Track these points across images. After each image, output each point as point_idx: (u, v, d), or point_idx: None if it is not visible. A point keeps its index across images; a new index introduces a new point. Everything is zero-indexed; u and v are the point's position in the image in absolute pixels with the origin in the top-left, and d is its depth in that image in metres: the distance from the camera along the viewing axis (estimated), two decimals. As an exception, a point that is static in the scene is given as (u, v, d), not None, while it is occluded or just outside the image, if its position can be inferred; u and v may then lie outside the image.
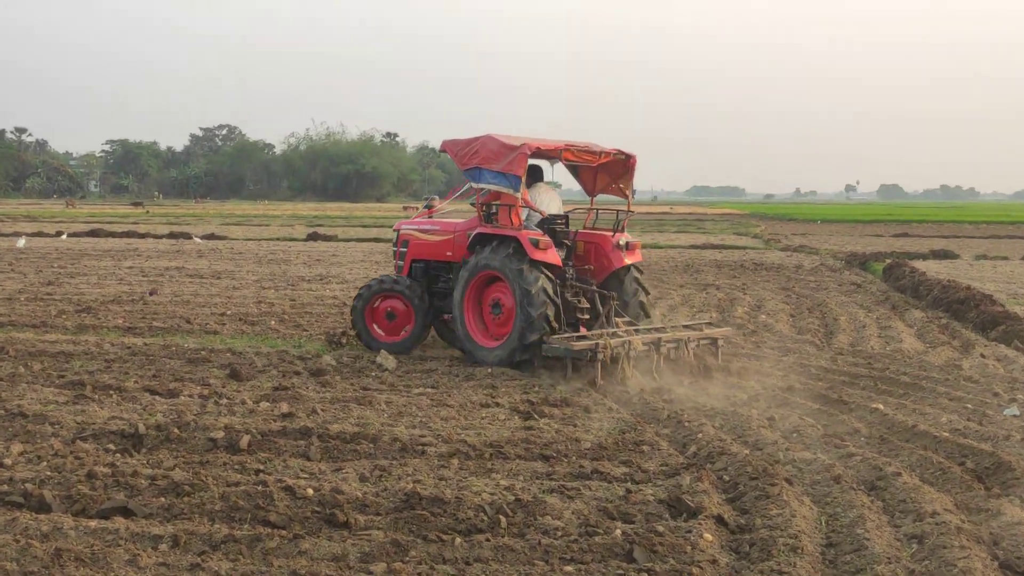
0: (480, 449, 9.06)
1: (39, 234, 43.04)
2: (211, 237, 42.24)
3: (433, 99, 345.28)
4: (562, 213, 14.11)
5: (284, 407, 10.55)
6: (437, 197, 16.81)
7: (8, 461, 8.37)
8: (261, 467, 8.42)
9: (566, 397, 11.42)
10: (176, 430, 9.37)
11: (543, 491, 7.88)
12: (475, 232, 13.42)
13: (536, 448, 9.16)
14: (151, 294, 20.60)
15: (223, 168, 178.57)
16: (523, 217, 13.32)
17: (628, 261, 13.74)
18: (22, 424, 9.67)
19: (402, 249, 14.69)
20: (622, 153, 13.99)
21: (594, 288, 13.48)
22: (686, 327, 13.80)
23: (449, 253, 14.13)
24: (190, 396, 11.15)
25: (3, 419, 9.84)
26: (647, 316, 13.92)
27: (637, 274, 13.93)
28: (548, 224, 13.63)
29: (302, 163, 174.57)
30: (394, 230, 15.21)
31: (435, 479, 8.20)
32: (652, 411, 10.92)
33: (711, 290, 23.80)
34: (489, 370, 12.83)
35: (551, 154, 13.60)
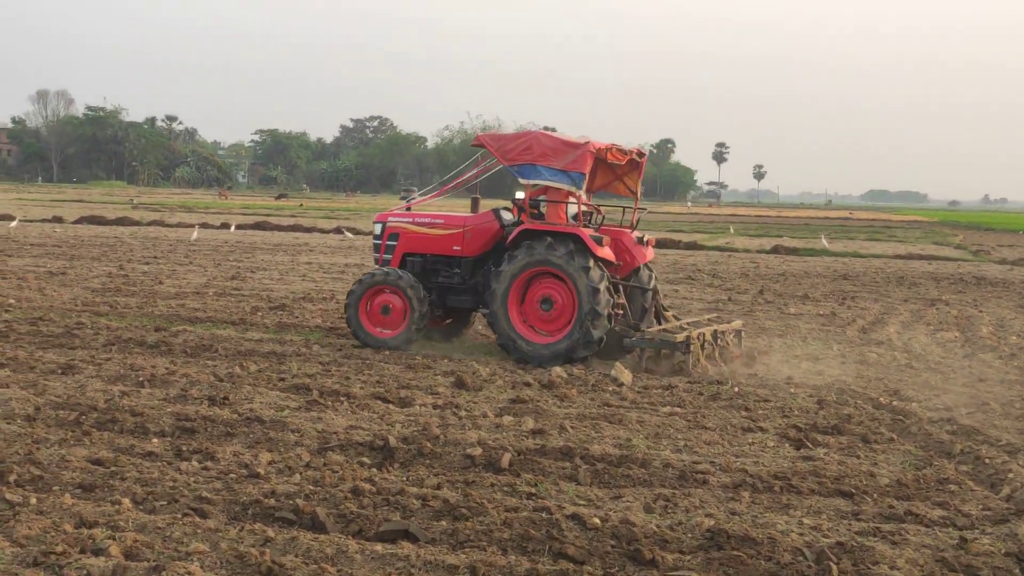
0: (767, 481, 8.58)
1: (206, 225, 44.18)
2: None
3: (581, 101, 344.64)
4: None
5: (530, 423, 10.28)
6: (415, 189, 16.96)
7: (260, 471, 8.25)
8: (532, 490, 8.12)
9: (836, 424, 10.81)
10: (427, 444, 9.16)
11: (859, 534, 7.34)
12: (518, 227, 13.76)
13: (829, 483, 8.62)
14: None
15: (374, 161, 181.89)
16: (571, 214, 13.87)
17: (649, 257, 14.56)
18: (262, 430, 9.60)
19: (390, 242, 14.94)
20: (640, 152, 14.74)
21: (630, 283, 14.38)
22: (711, 320, 15.39)
23: (457, 248, 14.51)
24: (423, 406, 10.96)
25: (239, 423, 9.80)
26: (668, 308, 15.08)
27: (651, 269, 14.81)
28: (585, 221, 14.29)
29: (456, 157, 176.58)
30: (376, 222, 15.32)
31: (727, 513, 7.76)
32: (939, 443, 10.24)
33: (940, 306, 22.71)
34: (735, 388, 12.38)
35: (600, 153, 13.90)
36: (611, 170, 14.99)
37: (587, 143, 13.50)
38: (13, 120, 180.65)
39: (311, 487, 7.91)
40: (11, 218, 41.58)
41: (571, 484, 8.37)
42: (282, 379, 12.05)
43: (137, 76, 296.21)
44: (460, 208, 20.84)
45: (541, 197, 14.25)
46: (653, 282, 14.68)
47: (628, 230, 14.66)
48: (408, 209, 15.39)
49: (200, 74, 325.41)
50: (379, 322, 14.47)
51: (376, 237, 15.26)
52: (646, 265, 14.61)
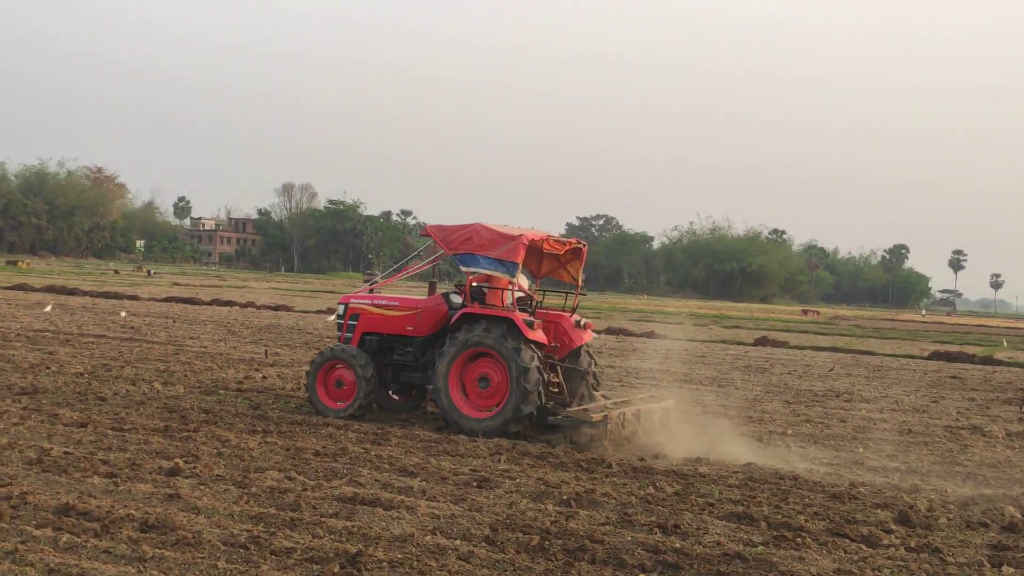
0: None
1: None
2: (615, 332, 41.67)
3: (818, 197, 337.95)
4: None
5: None
6: (378, 273, 18.62)
7: None
8: None
9: None
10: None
11: None
12: (460, 311, 14.85)
13: None
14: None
15: (600, 259, 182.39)
16: (512, 299, 14.87)
17: (587, 339, 15.47)
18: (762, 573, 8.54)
19: (351, 322, 16.11)
20: (580, 242, 16.09)
21: (566, 364, 15.31)
22: (642, 399, 16.24)
23: (410, 328, 15.65)
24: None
25: (720, 559, 8.77)
26: (598, 388, 15.82)
27: (589, 351, 15.66)
28: (522, 305, 15.34)
29: (684, 257, 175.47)
30: (340, 303, 16.47)
31: None
32: None
33: None
34: None
35: (535, 244, 15.04)
36: (555, 259, 16.05)
37: (521, 235, 14.60)
38: (259, 212, 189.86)
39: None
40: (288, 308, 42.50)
41: None
42: (710, 503, 11.01)
43: (374, 173, 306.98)
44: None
45: (483, 284, 15.41)
46: (589, 362, 15.54)
47: (568, 314, 15.61)
48: (371, 291, 16.57)
49: (430, 173, 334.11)
50: (335, 395, 15.59)
51: (339, 316, 16.41)
52: (585, 346, 15.52)
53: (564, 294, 16.38)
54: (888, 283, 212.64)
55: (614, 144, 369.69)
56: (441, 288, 16.67)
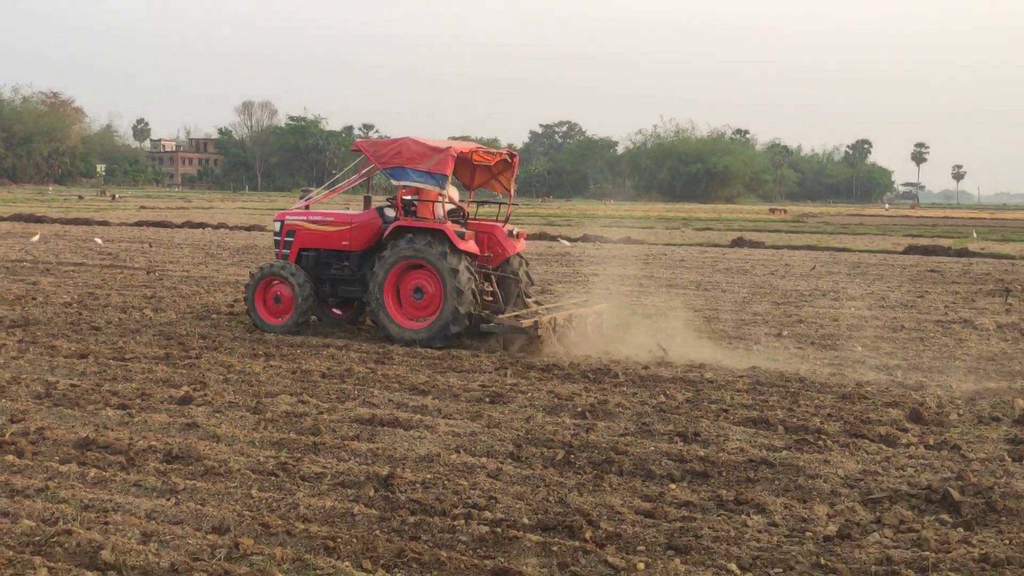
0: None
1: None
2: (592, 239, 41.59)
3: (782, 92, 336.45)
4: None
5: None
6: (313, 189, 18.55)
7: (826, 529, 7.24)
8: None
9: None
10: (996, 498, 7.94)
11: None
12: (392, 224, 15.07)
13: None
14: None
15: (565, 166, 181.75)
16: (441, 212, 15.27)
17: (519, 248, 15.82)
18: (773, 474, 8.62)
19: (287, 239, 16.26)
20: (511, 154, 16.23)
21: (500, 273, 15.69)
22: (576, 304, 16.27)
23: (345, 243, 15.83)
24: (906, 445, 9.78)
25: (744, 466, 8.82)
26: (531, 295, 16.16)
27: (524, 260, 16.10)
28: (452, 217, 15.71)
29: (649, 161, 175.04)
30: (276, 220, 16.62)
31: None
32: None
33: None
34: None
35: (464, 155, 15.24)
36: (486, 170, 16.27)
37: (449, 148, 14.80)
38: (220, 131, 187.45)
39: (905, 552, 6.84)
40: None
41: None
42: (724, 410, 11.04)
43: (336, 86, 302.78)
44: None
45: (413, 196, 15.60)
46: (522, 270, 15.89)
47: (501, 224, 15.88)
48: (307, 207, 16.64)
49: (394, 82, 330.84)
50: (274, 310, 15.84)
51: (276, 234, 16.54)
52: (518, 255, 15.89)
53: (497, 204, 16.70)
54: (852, 178, 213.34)
55: (577, 47, 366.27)
56: (376, 202, 16.76)
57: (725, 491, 8.19)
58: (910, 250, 38.62)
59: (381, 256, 15.02)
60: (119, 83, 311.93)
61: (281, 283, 15.81)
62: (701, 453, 9.20)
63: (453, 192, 16.11)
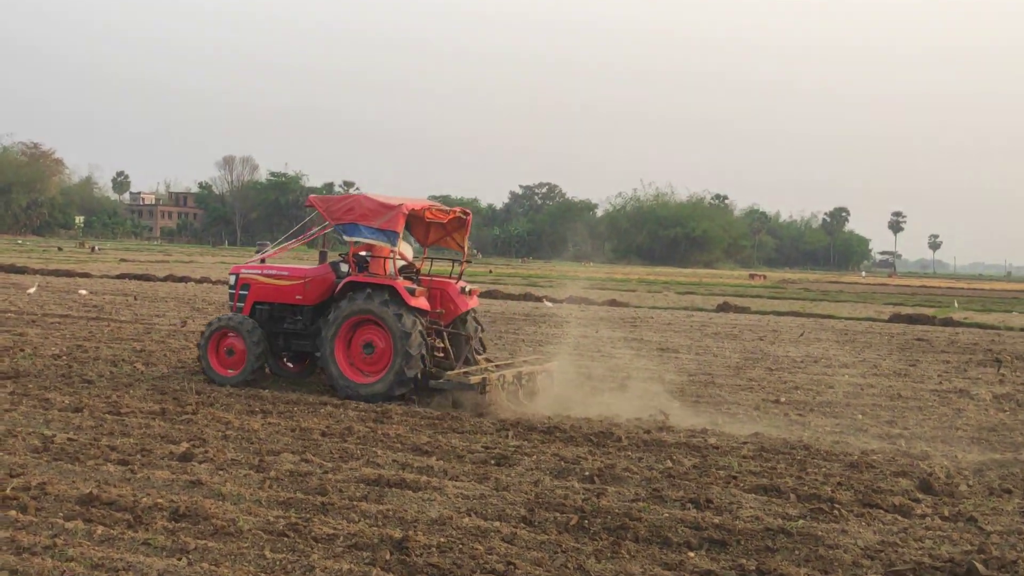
0: None
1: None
2: (576, 301, 41.60)
3: (760, 157, 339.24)
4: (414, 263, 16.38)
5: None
6: (269, 244, 18.54)
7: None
8: None
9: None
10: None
11: None
12: (344, 280, 15.21)
13: None
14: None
15: (544, 228, 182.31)
16: (393, 268, 15.30)
17: (472, 305, 15.93)
18: (792, 544, 8.49)
19: (242, 292, 16.28)
20: (465, 211, 16.39)
21: (451, 330, 15.77)
22: (526, 361, 16.40)
23: (299, 297, 15.84)
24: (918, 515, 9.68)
25: (761, 534, 8.69)
26: (484, 351, 16.28)
27: (475, 316, 16.19)
28: (405, 273, 15.89)
29: (628, 224, 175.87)
30: (231, 273, 16.69)
31: None
32: None
33: None
34: None
35: (417, 212, 15.39)
36: (441, 227, 16.49)
37: (401, 205, 14.86)
38: (200, 185, 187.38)
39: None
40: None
41: None
42: (733, 476, 10.93)
43: (316, 143, 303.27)
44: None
45: (365, 252, 15.73)
46: (474, 327, 16.01)
47: (454, 281, 16.04)
48: (262, 261, 16.68)
49: (373, 141, 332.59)
50: (225, 362, 15.83)
51: (231, 287, 16.55)
52: (470, 312, 16.01)
53: (451, 262, 16.83)
54: (829, 245, 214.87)
55: (557, 108, 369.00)
56: (332, 257, 16.81)
57: (745, 560, 8.06)
58: (895, 318, 38.74)
59: (334, 309, 15.05)
60: (100, 136, 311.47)
61: (234, 336, 15.81)
62: (716, 521, 9.07)
63: (406, 249, 16.35)
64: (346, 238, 15.21)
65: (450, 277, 16.28)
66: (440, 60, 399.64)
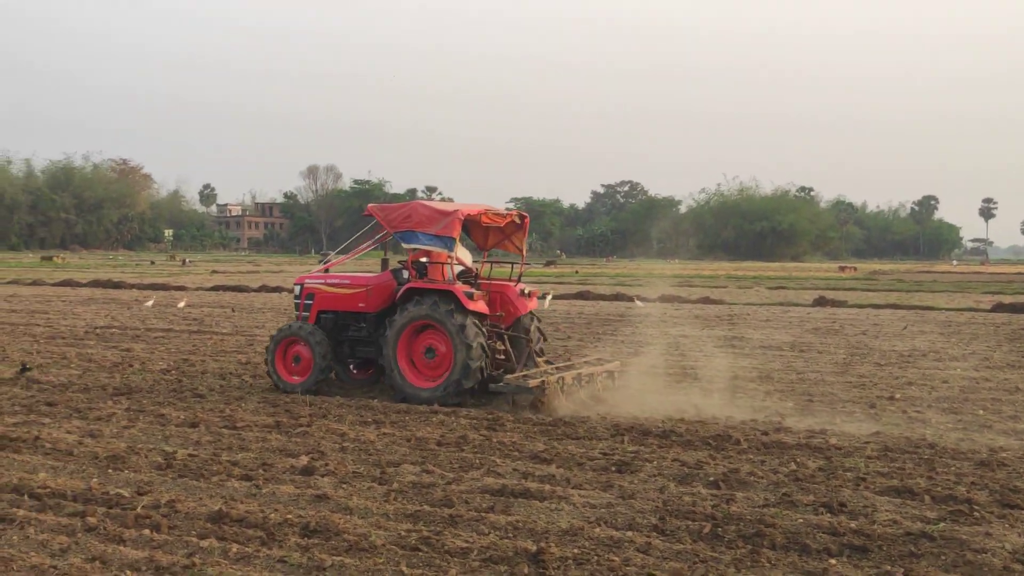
0: None
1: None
2: (668, 300, 41.26)
3: (845, 148, 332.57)
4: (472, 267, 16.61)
5: None
6: (332, 253, 19.20)
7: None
8: None
9: None
10: None
11: None
12: (404, 286, 15.46)
13: None
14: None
15: (628, 226, 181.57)
16: (451, 273, 15.51)
17: (531, 307, 16.07)
18: (937, 548, 8.20)
19: (307, 301, 16.61)
20: (521, 215, 16.49)
21: (512, 333, 15.92)
22: (587, 363, 16.36)
23: (362, 304, 16.13)
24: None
25: (901, 539, 8.43)
26: (542, 354, 16.22)
27: (537, 318, 16.36)
28: (464, 277, 16.10)
29: (713, 219, 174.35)
30: (295, 284, 17.04)
31: None
32: None
33: None
34: None
35: (473, 217, 15.53)
36: (499, 231, 16.64)
37: (456, 211, 15.00)
38: (285, 195, 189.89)
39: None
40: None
41: None
42: (861, 478, 10.65)
43: (399, 150, 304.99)
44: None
45: (424, 259, 15.88)
46: (533, 328, 16.12)
47: (513, 284, 16.13)
48: (325, 271, 17.09)
49: (457, 146, 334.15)
50: (292, 370, 16.11)
51: (296, 296, 16.89)
52: (530, 314, 16.16)
53: (510, 264, 17.00)
54: (918, 235, 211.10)
55: (637, 108, 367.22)
56: (393, 264, 16.97)
57: (890, 566, 7.83)
58: (998, 308, 37.80)
59: (395, 316, 15.28)
60: (186, 150, 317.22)
61: (301, 344, 16.09)
62: (853, 525, 8.83)
63: (464, 254, 16.44)
64: (404, 245, 15.40)
65: (509, 280, 16.42)
66: (519, 72, 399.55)
